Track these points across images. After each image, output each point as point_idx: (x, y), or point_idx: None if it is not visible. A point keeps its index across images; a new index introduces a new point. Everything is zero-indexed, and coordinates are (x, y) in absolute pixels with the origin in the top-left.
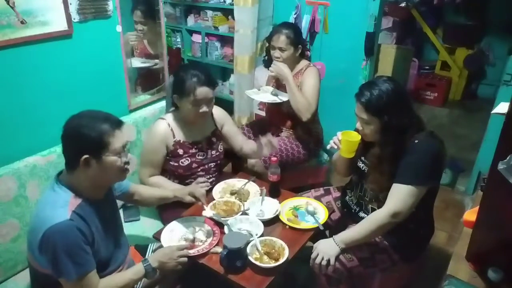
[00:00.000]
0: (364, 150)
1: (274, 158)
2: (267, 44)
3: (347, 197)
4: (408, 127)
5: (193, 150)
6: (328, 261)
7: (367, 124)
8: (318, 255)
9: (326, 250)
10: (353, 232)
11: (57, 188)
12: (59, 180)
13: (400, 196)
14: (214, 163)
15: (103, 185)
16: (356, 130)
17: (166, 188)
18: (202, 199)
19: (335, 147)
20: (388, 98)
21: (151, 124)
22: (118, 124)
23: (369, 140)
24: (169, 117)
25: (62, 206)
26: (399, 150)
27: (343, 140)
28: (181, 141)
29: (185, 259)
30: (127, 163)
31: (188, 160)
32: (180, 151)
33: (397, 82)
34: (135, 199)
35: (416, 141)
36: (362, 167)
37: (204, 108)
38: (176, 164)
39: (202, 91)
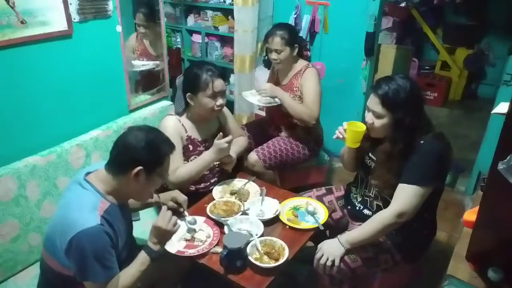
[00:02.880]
0: (372, 147)
1: None
2: (266, 44)
3: (351, 194)
4: (417, 127)
5: (201, 148)
6: (333, 261)
7: (378, 118)
8: (323, 255)
9: (331, 250)
10: (358, 232)
11: (87, 190)
12: (87, 180)
13: (405, 196)
14: (218, 163)
15: (133, 198)
16: (365, 123)
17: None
18: (184, 205)
19: (341, 136)
20: (405, 94)
21: (160, 121)
22: (173, 148)
23: (376, 136)
24: (178, 115)
25: (92, 211)
26: (409, 148)
27: (348, 130)
28: (192, 137)
29: (177, 222)
30: None
31: (196, 158)
32: (190, 147)
33: (414, 81)
34: None
35: (422, 141)
36: (369, 163)
37: (220, 101)
38: (184, 162)
39: (219, 83)
